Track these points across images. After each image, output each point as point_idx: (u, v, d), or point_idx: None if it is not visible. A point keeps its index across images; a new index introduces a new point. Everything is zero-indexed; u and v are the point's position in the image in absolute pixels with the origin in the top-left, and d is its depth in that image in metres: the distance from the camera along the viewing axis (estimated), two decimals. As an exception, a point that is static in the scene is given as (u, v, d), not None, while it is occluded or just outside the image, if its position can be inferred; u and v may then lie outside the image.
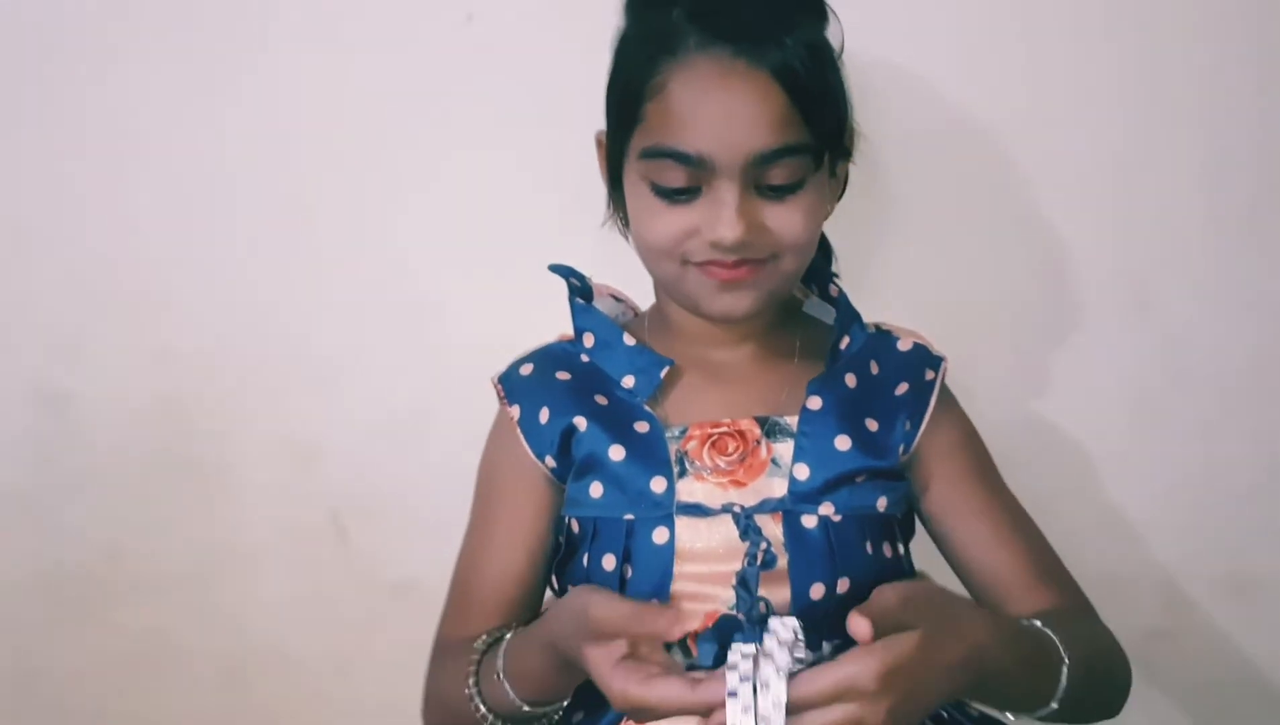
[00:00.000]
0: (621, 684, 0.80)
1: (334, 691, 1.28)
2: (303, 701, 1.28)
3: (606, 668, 0.81)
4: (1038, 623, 0.92)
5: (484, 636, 0.97)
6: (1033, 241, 1.23)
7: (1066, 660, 0.90)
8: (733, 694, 0.76)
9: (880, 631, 0.77)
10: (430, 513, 1.20)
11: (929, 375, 1.03)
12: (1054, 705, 0.90)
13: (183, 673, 1.29)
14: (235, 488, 1.26)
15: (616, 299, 1.11)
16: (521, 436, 1.01)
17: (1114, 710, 1.00)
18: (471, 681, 0.95)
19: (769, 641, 0.78)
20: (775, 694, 0.76)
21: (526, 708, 0.92)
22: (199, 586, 1.28)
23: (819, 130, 0.92)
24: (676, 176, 0.92)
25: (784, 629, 0.79)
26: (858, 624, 0.77)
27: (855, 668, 0.76)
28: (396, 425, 1.25)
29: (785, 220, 0.93)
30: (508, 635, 0.96)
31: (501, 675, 0.92)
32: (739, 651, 0.77)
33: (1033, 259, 1.23)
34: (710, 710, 0.77)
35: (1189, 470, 1.24)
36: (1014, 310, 1.24)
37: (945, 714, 0.99)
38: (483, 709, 0.94)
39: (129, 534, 1.28)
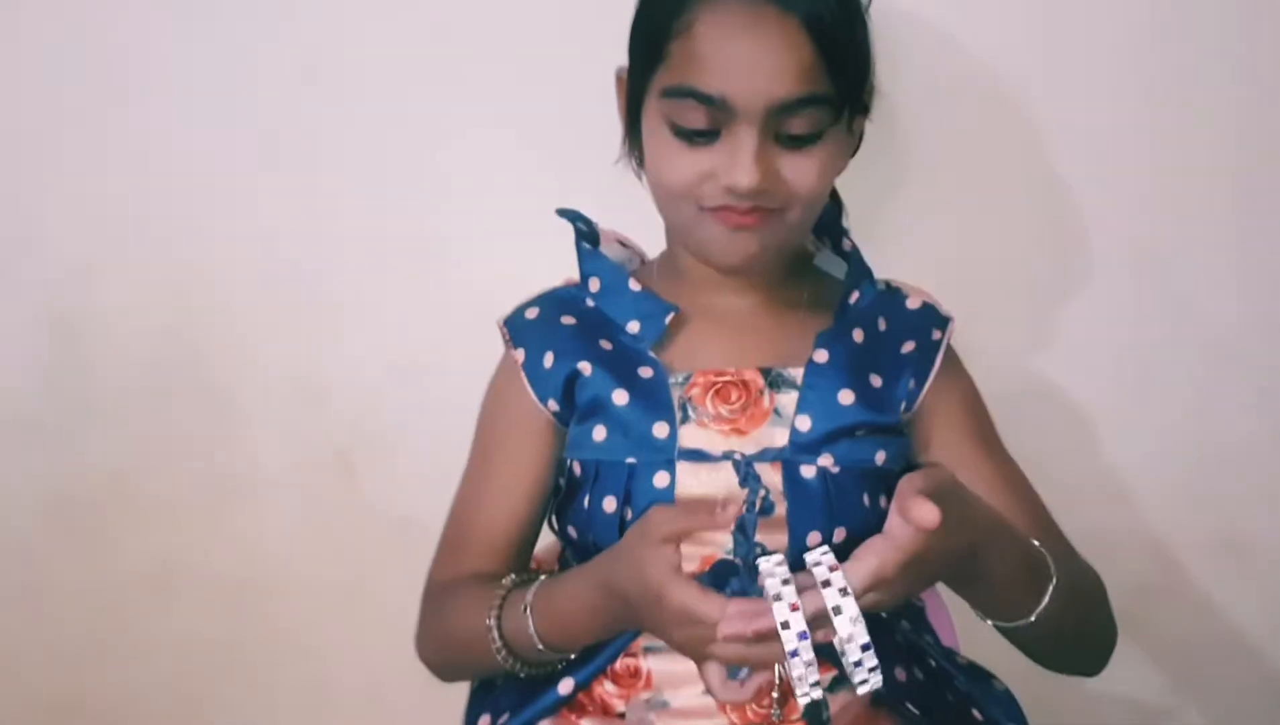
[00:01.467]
0: (681, 589, 0.82)
1: (338, 622, 1.29)
2: (307, 630, 1.30)
3: (667, 569, 0.83)
4: (1035, 543, 0.94)
5: (512, 576, 0.98)
6: (1044, 202, 1.22)
7: (1054, 579, 0.92)
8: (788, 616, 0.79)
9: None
10: (436, 452, 1.17)
11: (936, 335, 1.03)
12: (1030, 619, 0.92)
13: (188, 600, 1.30)
14: (244, 421, 1.26)
15: (623, 245, 1.11)
16: (525, 380, 1.01)
17: (1094, 663, 1.02)
18: (494, 614, 0.95)
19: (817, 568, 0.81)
20: (849, 612, 0.79)
21: (541, 646, 0.94)
22: (206, 517, 1.29)
23: (842, 83, 0.92)
24: (697, 117, 0.91)
25: (824, 557, 0.82)
26: (925, 512, 0.80)
27: (879, 561, 0.81)
28: (404, 366, 1.25)
29: (801, 171, 0.92)
30: (541, 577, 0.97)
31: (528, 609, 0.93)
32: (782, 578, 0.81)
33: (1043, 220, 1.23)
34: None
35: (1184, 432, 1.25)
36: (1022, 270, 1.24)
37: (934, 661, 1.02)
38: (499, 641, 0.95)
39: (137, 462, 1.28)
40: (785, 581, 0.80)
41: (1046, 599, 0.92)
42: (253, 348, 1.25)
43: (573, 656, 0.97)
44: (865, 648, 0.79)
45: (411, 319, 1.24)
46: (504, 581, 0.97)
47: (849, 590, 0.79)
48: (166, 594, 1.31)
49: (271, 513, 1.28)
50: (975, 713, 1.00)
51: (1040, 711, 1.02)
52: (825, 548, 0.83)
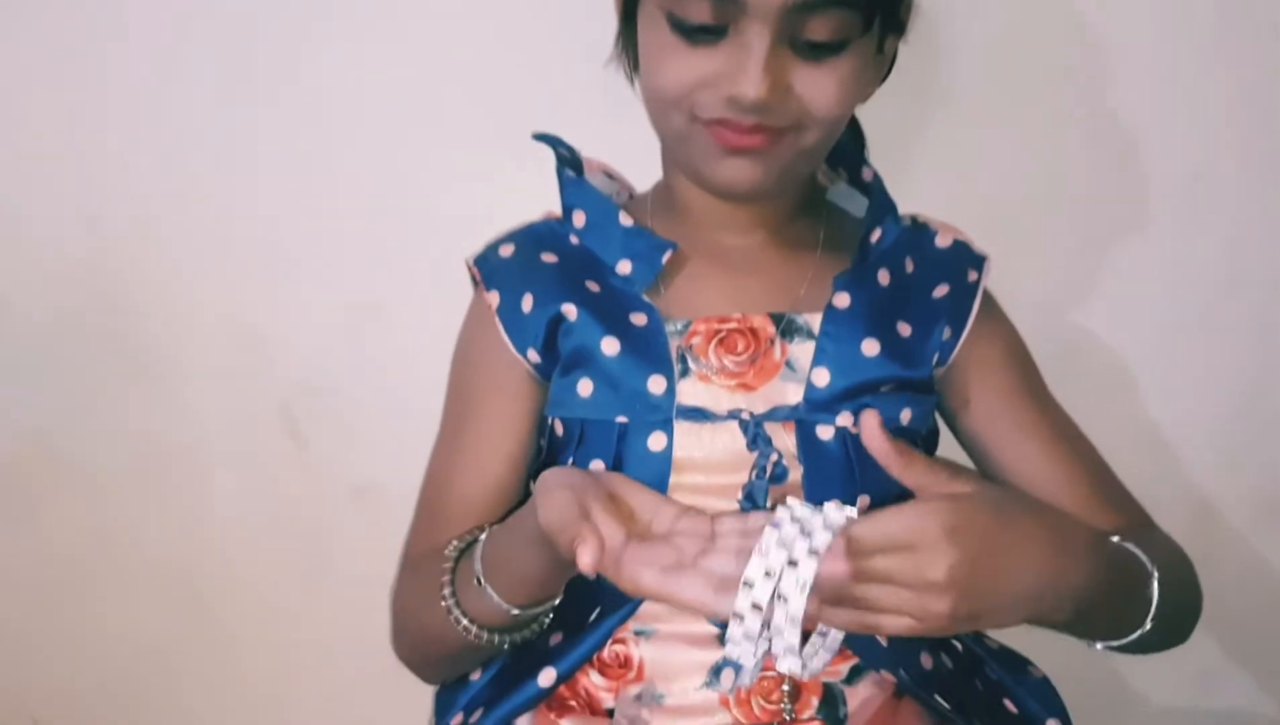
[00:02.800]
0: (633, 568, 0.71)
1: (290, 601, 1.20)
2: (255, 611, 1.21)
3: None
4: (1114, 538, 0.83)
5: (454, 543, 0.88)
6: (1090, 134, 1.13)
7: (1155, 574, 0.82)
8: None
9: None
10: (395, 411, 1.12)
11: (971, 276, 0.93)
12: (1148, 625, 0.82)
13: (122, 580, 1.21)
14: (176, 377, 1.16)
15: (610, 176, 1.01)
16: (500, 327, 0.91)
17: (1187, 634, 0.92)
18: (448, 592, 0.85)
19: (815, 518, 0.70)
20: (803, 574, 0.67)
21: (516, 611, 0.83)
22: (139, 485, 1.19)
23: None
24: (700, 9, 0.79)
25: (837, 513, 0.71)
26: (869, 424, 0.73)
27: (916, 515, 0.70)
28: (355, 313, 1.15)
29: (817, 86, 0.81)
30: (481, 537, 0.86)
31: (482, 580, 0.83)
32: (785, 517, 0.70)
33: (1089, 153, 1.13)
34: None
35: (1233, 386, 1.17)
36: (1065, 208, 1.14)
37: (961, 645, 0.93)
38: (464, 620, 0.85)
39: (59, 423, 1.18)
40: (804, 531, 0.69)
41: (1154, 599, 0.82)
42: (184, 290, 1.14)
43: (558, 601, 0.86)
44: (793, 623, 0.67)
45: (367, 257, 1.13)
46: (446, 552, 0.87)
47: (817, 553, 0.67)
48: (96, 576, 1.20)
49: (210, 480, 1.18)
50: (1008, 703, 0.91)
51: (1081, 694, 0.94)
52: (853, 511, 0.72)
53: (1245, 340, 1.16)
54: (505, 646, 0.86)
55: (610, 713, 0.89)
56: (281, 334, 1.14)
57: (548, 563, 0.79)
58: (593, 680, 0.90)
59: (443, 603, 0.84)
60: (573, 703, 0.90)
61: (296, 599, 1.18)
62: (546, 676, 0.87)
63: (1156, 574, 0.82)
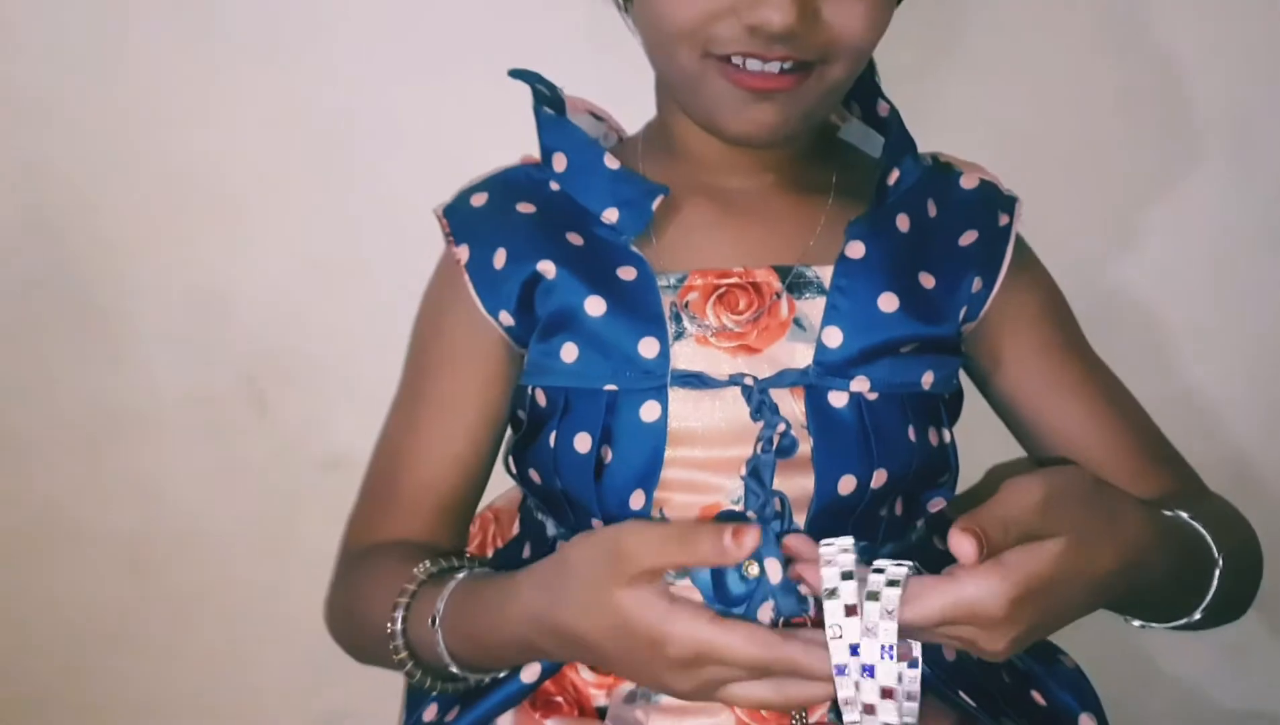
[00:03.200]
0: (690, 626, 0.62)
1: (256, 576, 1.11)
2: (219, 587, 1.12)
3: (662, 608, 0.63)
4: (1184, 515, 0.75)
5: (427, 564, 0.78)
6: (1125, 69, 1.04)
7: (1220, 562, 0.75)
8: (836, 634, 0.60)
9: (1005, 542, 0.61)
10: (365, 375, 1.02)
11: (1003, 220, 0.84)
12: (1197, 616, 0.76)
13: (73, 553, 1.12)
14: (128, 343, 1.06)
15: (596, 117, 0.91)
16: (470, 285, 0.83)
17: (1244, 611, 0.84)
18: (400, 615, 0.76)
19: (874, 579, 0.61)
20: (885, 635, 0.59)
21: (455, 669, 0.75)
22: (90, 457, 1.09)
23: None
24: None
25: (895, 569, 0.62)
26: (961, 544, 0.59)
27: (980, 590, 0.60)
28: (322, 270, 1.05)
29: (848, 13, 0.73)
30: (459, 575, 0.77)
31: (437, 622, 0.74)
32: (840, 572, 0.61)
33: (1124, 96, 1.04)
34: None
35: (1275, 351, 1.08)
36: (1096, 150, 1.05)
37: None
38: (404, 651, 0.76)
39: (5, 388, 1.08)
40: (846, 575, 0.60)
41: (1214, 587, 0.75)
42: (134, 250, 1.05)
43: (501, 675, 0.78)
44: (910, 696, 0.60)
45: (333, 209, 1.04)
46: (416, 571, 0.78)
47: (893, 612, 0.59)
48: (44, 549, 1.12)
49: (166, 452, 1.09)
50: (1037, 695, 0.84)
51: (1115, 682, 0.88)
52: (848, 542, 0.63)
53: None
54: (431, 691, 0.78)
55: (601, 712, 0.81)
56: (240, 294, 1.05)
57: (527, 651, 0.72)
58: (582, 676, 0.82)
59: (390, 626, 0.76)
60: (560, 699, 0.82)
61: (261, 575, 1.10)
62: (530, 672, 0.78)
63: (1220, 565, 0.74)
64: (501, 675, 0.78)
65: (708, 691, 0.64)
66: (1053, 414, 0.85)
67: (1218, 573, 0.74)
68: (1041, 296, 0.86)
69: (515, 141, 0.88)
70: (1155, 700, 1.14)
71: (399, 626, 0.75)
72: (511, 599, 0.70)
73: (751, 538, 0.61)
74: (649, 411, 0.77)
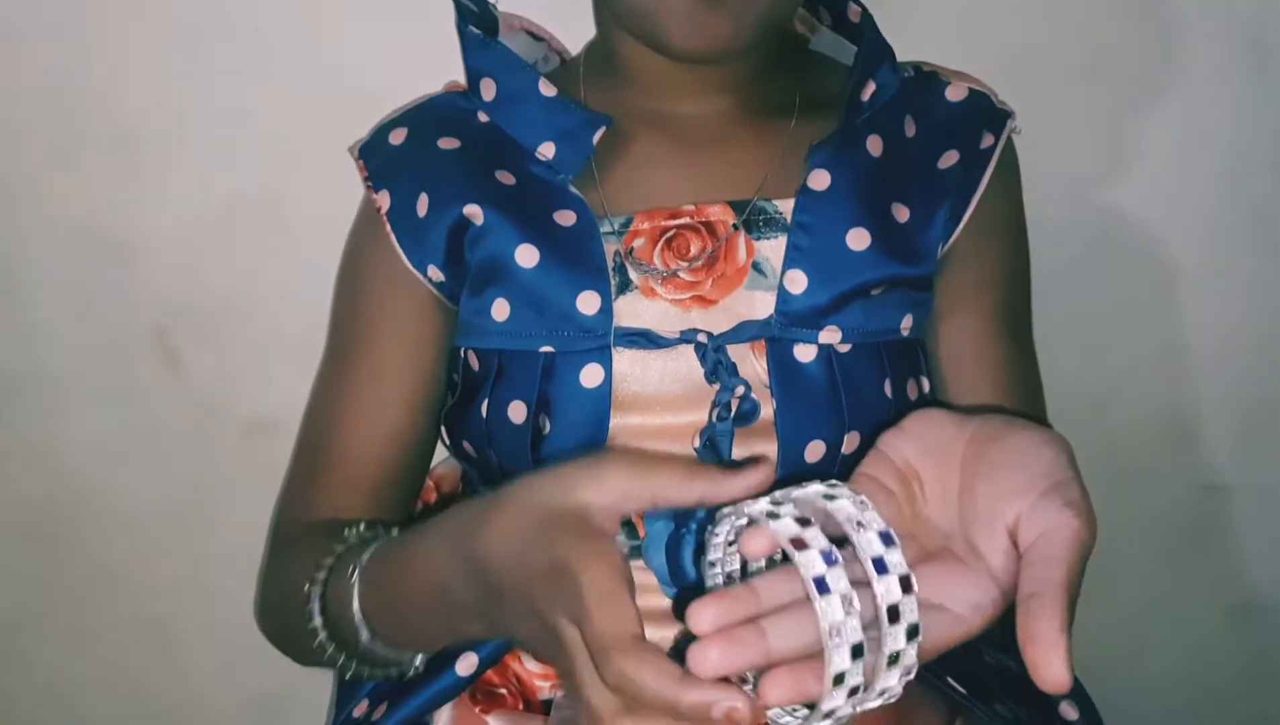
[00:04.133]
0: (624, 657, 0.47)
1: (176, 550, 1.03)
2: (136, 562, 1.04)
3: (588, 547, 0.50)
4: None
5: (360, 527, 0.69)
6: None
7: None
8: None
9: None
10: (290, 329, 0.94)
11: (986, 140, 0.75)
12: None
13: None
14: (25, 297, 0.98)
15: (534, 37, 0.82)
16: (393, 237, 0.74)
17: None
18: (319, 582, 0.67)
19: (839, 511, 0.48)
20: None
21: (365, 634, 0.65)
22: None
23: None
24: None
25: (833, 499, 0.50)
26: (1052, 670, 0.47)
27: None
28: (238, 211, 0.97)
29: None
30: (393, 532, 0.68)
31: (356, 573, 0.65)
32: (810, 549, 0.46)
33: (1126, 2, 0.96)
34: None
35: None
36: (1094, 63, 0.97)
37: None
38: (318, 620, 0.67)
39: None
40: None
41: None
42: (26, 192, 0.96)
43: (419, 664, 0.68)
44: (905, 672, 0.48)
45: (248, 141, 0.95)
46: (347, 533, 0.69)
47: (911, 582, 0.47)
48: None
49: (71, 416, 1.01)
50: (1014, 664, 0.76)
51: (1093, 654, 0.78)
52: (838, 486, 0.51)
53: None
54: (347, 675, 0.69)
55: (546, 705, 0.74)
56: (148, 238, 0.97)
57: (439, 601, 0.60)
58: (526, 667, 0.75)
59: (306, 587, 0.67)
60: (503, 691, 0.75)
61: (182, 549, 1.03)
62: (466, 663, 0.71)
63: None
64: (431, 666, 0.70)
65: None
66: (960, 382, 0.76)
67: None
68: (1008, 247, 0.78)
69: (451, 60, 0.79)
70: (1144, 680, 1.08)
71: (318, 588, 0.66)
72: (435, 526, 0.61)
73: (762, 473, 0.51)
74: (591, 375, 0.69)
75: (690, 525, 0.68)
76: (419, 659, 0.68)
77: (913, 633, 0.47)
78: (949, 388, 0.78)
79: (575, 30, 0.83)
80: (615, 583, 0.48)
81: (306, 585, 0.67)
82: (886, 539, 0.47)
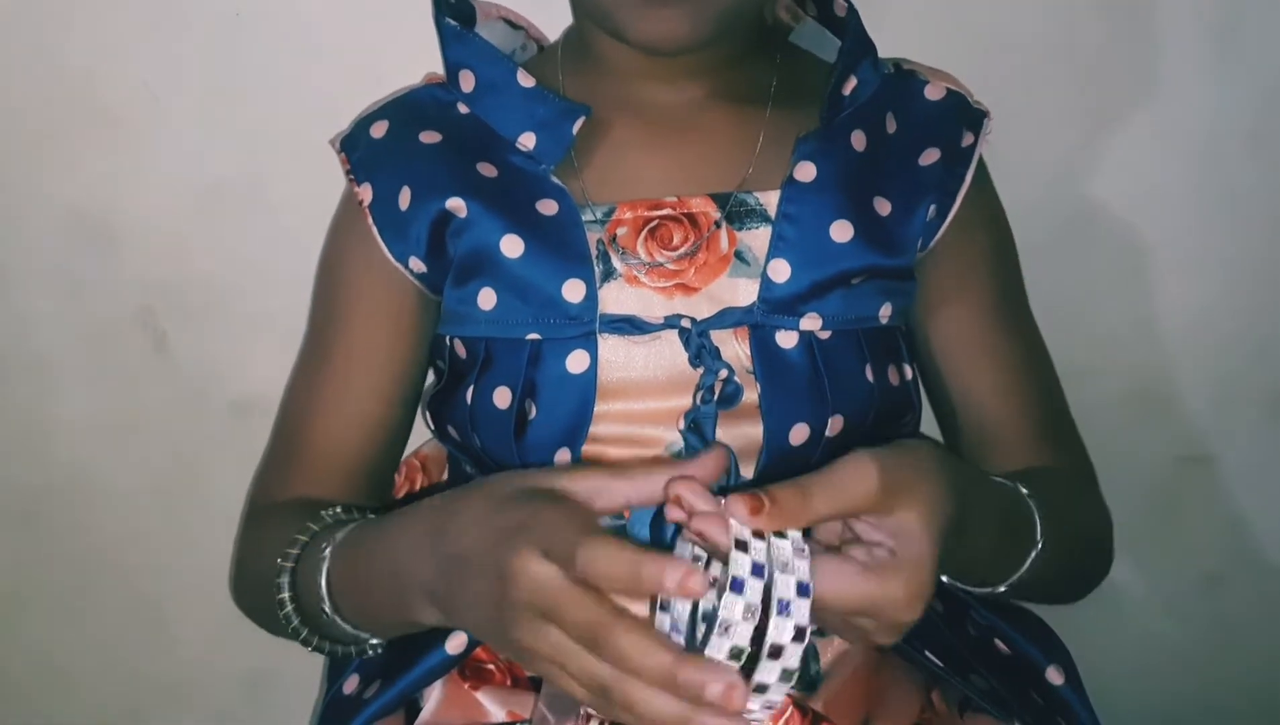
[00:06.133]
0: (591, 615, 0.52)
1: (165, 529, 1.05)
2: (124, 542, 1.05)
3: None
4: (1024, 490, 0.70)
5: (337, 509, 0.71)
6: None
7: (1039, 545, 0.69)
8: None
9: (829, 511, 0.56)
10: (277, 310, 0.95)
11: (966, 139, 0.77)
12: (1000, 588, 0.71)
13: None
14: (11, 277, 0.99)
15: (512, 25, 0.83)
16: (375, 229, 0.76)
17: (1072, 599, 0.82)
18: (291, 558, 0.69)
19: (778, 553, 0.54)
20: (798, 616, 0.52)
21: (328, 608, 0.67)
22: None
23: None
24: None
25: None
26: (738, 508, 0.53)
27: (884, 591, 0.56)
28: (223, 191, 0.98)
29: None
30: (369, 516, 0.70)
31: (327, 551, 0.67)
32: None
33: None
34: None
35: (1260, 269, 1.02)
36: (1068, 48, 0.98)
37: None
38: (287, 592, 0.69)
39: None
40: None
41: (1023, 569, 0.69)
42: (7, 174, 0.97)
43: (378, 646, 0.71)
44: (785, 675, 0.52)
45: (232, 122, 0.96)
46: (324, 514, 0.71)
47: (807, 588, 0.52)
48: None
49: (58, 398, 1.02)
50: (1001, 644, 0.79)
51: (1071, 623, 0.83)
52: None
53: (1272, 209, 1.02)
54: (310, 648, 0.71)
55: (535, 681, 0.75)
56: (133, 221, 0.98)
57: (403, 615, 0.64)
58: (515, 645, 0.76)
59: (279, 560, 0.69)
60: (491, 667, 0.77)
61: (171, 529, 1.04)
62: (456, 641, 0.72)
63: (1038, 547, 0.69)
64: (421, 644, 0.72)
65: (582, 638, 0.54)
66: (961, 370, 0.80)
67: (1033, 554, 0.69)
68: (992, 239, 0.80)
69: (432, 43, 0.80)
70: (1120, 646, 1.11)
71: (289, 562, 0.68)
72: (410, 509, 0.64)
73: (713, 461, 0.56)
74: (576, 361, 0.71)
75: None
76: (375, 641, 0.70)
77: (787, 676, 0.51)
78: (948, 378, 0.81)
79: (553, 16, 0.84)
80: (587, 515, 0.54)
81: (280, 558, 0.69)
82: (802, 590, 0.51)
